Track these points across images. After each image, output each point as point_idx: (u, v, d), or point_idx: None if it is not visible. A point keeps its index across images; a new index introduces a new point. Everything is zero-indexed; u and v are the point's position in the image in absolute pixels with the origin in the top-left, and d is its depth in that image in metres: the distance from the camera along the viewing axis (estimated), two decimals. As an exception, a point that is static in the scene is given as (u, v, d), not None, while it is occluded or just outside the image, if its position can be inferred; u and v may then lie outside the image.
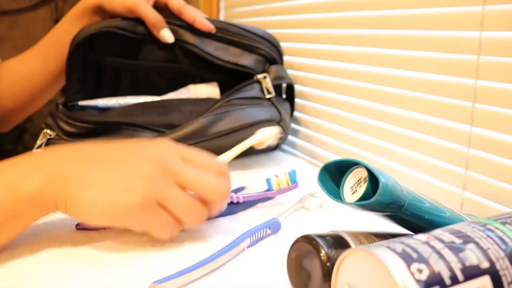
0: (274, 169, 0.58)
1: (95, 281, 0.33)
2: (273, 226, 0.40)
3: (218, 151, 0.58)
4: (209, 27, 0.57)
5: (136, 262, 0.36)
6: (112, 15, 0.56)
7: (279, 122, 0.57)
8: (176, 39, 0.57)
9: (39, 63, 0.60)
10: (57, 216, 0.44)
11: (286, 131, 0.60)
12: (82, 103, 0.56)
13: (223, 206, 0.38)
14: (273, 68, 0.59)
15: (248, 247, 0.38)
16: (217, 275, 0.34)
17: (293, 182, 0.45)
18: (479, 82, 0.40)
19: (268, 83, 0.57)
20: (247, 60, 0.58)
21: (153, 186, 0.33)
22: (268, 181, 0.45)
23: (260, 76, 0.57)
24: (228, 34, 0.58)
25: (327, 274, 0.27)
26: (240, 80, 0.58)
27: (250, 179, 0.54)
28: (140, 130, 0.52)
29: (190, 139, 0.52)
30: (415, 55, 0.47)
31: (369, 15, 0.53)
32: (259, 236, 0.39)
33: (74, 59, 0.56)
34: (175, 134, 0.52)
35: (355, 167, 0.29)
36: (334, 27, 0.60)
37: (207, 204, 0.35)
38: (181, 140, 0.52)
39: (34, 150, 0.51)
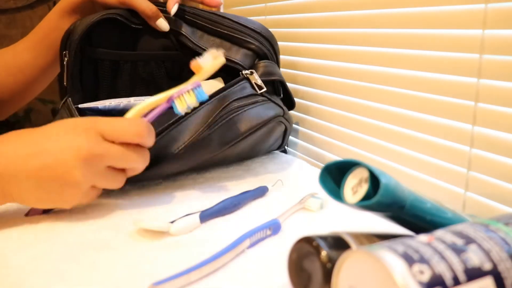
0: (274, 169, 0.58)
1: (93, 282, 0.33)
2: (273, 227, 0.40)
3: (227, 159, 0.57)
4: (218, 2, 0.58)
5: (135, 263, 0.35)
6: (102, 7, 0.55)
7: (283, 115, 0.56)
8: (171, 28, 0.56)
9: (29, 57, 0.59)
10: (56, 217, 0.44)
11: (290, 123, 0.59)
12: (81, 106, 0.55)
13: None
14: (262, 63, 0.58)
15: (248, 248, 0.37)
16: (217, 276, 0.34)
17: (201, 99, 0.45)
18: (481, 81, 0.40)
19: (256, 79, 0.55)
20: (235, 54, 0.57)
21: (83, 181, 0.39)
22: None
23: (247, 72, 0.56)
24: (219, 26, 0.57)
25: (328, 275, 0.27)
26: (233, 73, 0.57)
27: (250, 178, 0.54)
28: None
29: (198, 158, 0.50)
30: (416, 54, 0.47)
31: (370, 14, 0.53)
32: (259, 237, 0.38)
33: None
34: (180, 153, 0.49)
35: (356, 167, 0.29)
36: (334, 27, 0.59)
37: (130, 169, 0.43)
38: (188, 158, 0.50)
39: None
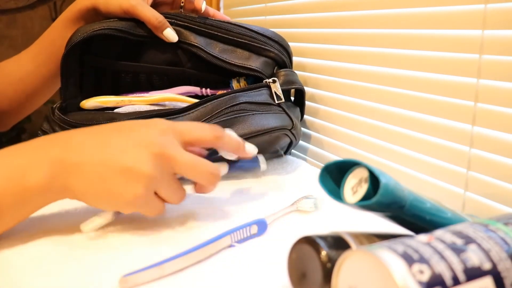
0: (274, 169, 0.58)
1: (94, 282, 0.33)
2: (259, 226, 0.40)
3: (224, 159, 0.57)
4: (227, 18, 0.58)
5: (135, 263, 0.35)
6: (107, 17, 0.54)
7: (291, 129, 0.55)
8: (180, 41, 0.54)
9: (32, 66, 0.59)
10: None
11: (297, 138, 0.58)
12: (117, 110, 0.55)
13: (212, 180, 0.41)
14: (283, 72, 0.57)
15: (232, 246, 0.38)
16: (205, 272, 0.34)
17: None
18: (481, 81, 0.40)
19: (277, 88, 0.54)
20: (255, 62, 0.55)
21: (151, 178, 0.36)
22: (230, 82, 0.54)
23: (269, 80, 0.55)
24: (235, 35, 0.55)
25: (328, 275, 0.27)
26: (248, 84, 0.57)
27: (250, 178, 0.54)
28: None
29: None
30: (416, 54, 0.47)
31: (370, 14, 0.53)
32: (243, 236, 0.39)
33: (69, 62, 0.54)
34: None
35: (356, 167, 0.29)
36: (334, 27, 0.60)
37: (198, 185, 0.41)
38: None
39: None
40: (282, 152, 0.62)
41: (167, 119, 0.50)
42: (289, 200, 0.46)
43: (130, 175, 0.36)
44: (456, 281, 0.21)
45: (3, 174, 0.35)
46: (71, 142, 0.37)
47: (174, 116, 0.52)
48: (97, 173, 0.36)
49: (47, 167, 0.36)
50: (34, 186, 0.35)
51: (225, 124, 0.51)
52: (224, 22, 0.56)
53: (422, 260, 0.22)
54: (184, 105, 0.54)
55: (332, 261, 0.27)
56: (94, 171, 0.36)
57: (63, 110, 0.54)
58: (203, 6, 0.57)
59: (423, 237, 0.24)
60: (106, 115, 0.52)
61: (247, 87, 0.54)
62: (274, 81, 0.55)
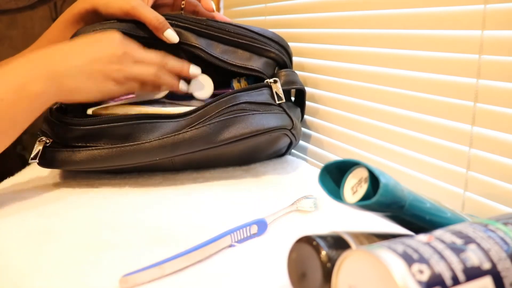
0: (274, 169, 0.58)
1: (94, 282, 0.33)
2: (259, 225, 0.40)
3: (225, 158, 0.57)
4: (227, 19, 0.59)
5: (136, 263, 0.35)
6: (107, 18, 0.54)
7: (291, 129, 0.55)
8: (180, 42, 0.54)
9: None
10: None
11: (297, 138, 0.58)
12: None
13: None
14: (284, 72, 0.57)
15: (232, 246, 0.38)
16: (205, 272, 0.34)
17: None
18: (480, 81, 0.40)
19: (278, 88, 0.54)
20: (256, 63, 0.55)
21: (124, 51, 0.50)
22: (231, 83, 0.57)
23: (270, 80, 0.55)
24: (236, 36, 0.56)
25: (328, 275, 0.27)
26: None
27: (250, 178, 0.54)
28: (141, 122, 0.51)
29: (195, 146, 0.50)
30: (416, 55, 0.47)
31: (370, 14, 0.53)
32: (243, 236, 0.39)
33: None
34: (179, 136, 0.50)
35: (355, 167, 0.29)
36: (334, 27, 0.60)
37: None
38: (186, 145, 0.50)
39: (31, 161, 0.50)
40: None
41: (167, 121, 0.51)
42: (289, 200, 0.46)
43: (108, 66, 0.48)
44: (455, 281, 0.21)
45: (10, 88, 0.44)
46: (54, 54, 0.47)
47: (174, 120, 0.51)
48: (85, 75, 0.47)
49: (46, 81, 0.45)
50: (35, 93, 0.45)
51: (225, 124, 0.51)
52: (224, 23, 0.56)
53: (422, 260, 0.22)
54: (177, 108, 0.54)
55: (332, 261, 0.27)
56: (82, 74, 0.47)
57: (63, 111, 0.54)
58: (213, 5, 0.58)
59: (422, 237, 0.24)
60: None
61: (248, 87, 0.54)
62: (275, 81, 0.54)
